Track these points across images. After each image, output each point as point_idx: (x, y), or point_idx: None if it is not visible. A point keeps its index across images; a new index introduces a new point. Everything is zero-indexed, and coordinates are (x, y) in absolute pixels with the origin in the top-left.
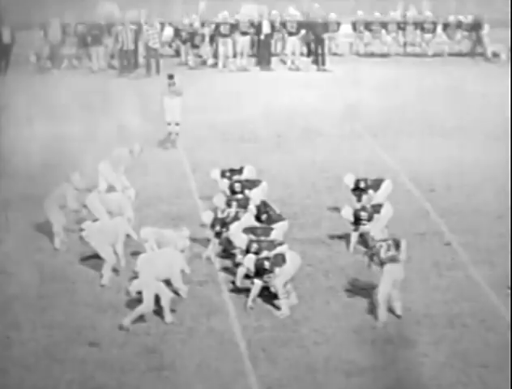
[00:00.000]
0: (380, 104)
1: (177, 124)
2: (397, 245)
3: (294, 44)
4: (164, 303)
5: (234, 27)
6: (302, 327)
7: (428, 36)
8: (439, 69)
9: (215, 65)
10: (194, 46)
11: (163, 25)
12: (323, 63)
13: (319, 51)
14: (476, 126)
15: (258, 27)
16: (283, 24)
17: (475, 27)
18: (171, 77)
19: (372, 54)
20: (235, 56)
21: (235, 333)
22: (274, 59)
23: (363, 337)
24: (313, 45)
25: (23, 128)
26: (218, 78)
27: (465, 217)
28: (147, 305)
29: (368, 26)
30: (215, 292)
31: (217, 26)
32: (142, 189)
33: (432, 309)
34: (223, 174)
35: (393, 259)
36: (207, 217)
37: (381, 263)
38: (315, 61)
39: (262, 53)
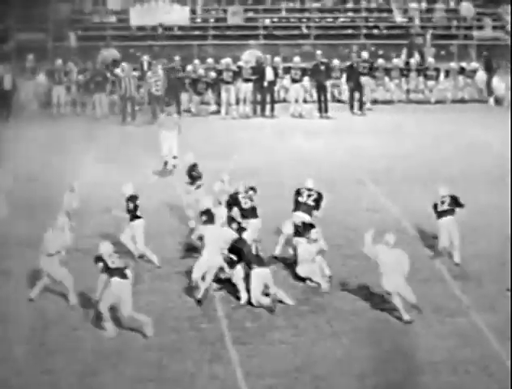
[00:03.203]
0: (383, 151)
1: (175, 157)
2: (454, 201)
3: (298, 91)
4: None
5: (237, 74)
6: (304, 374)
7: (431, 82)
8: (442, 116)
9: (217, 112)
10: (197, 93)
11: (165, 71)
12: (326, 110)
13: (322, 98)
14: (480, 173)
15: (261, 74)
16: (287, 71)
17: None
18: (168, 105)
19: (375, 101)
20: (237, 103)
21: (237, 379)
22: (277, 106)
23: (365, 384)
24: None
25: (28, 173)
26: (220, 125)
27: (468, 263)
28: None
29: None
30: (217, 339)
31: (220, 73)
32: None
33: (435, 355)
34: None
35: (447, 212)
36: None
37: (439, 216)
38: (319, 109)
39: (265, 100)
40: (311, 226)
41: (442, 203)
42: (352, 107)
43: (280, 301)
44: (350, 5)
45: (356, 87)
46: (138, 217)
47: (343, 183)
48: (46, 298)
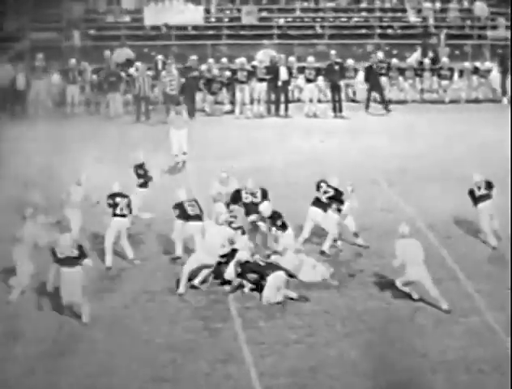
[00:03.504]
0: (396, 151)
1: (185, 153)
2: (489, 186)
3: (312, 90)
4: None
5: (251, 73)
6: (319, 374)
7: (445, 82)
8: (456, 115)
9: (231, 111)
10: (212, 93)
11: (181, 71)
12: (340, 110)
13: (336, 98)
14: (494, 173)
15: (275, 74)
16: (302, 70)
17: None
18: (178, 103)
19: (389, 101)
20: (252, 102)
21: (251, 379)
22: (291, 106)
23: (379, 383)
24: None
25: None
26: (234, 124)
27: (481, 263)
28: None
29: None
30: (231, 338)
31: (234, 72)
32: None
33: (447, 355)
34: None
35: (485, 197)
36: None
37: (477, 202)
38: (333, 108)
39: (280, 100)
40: (278, 216)
41: (479, 188)
42: (367, 107)
43: (291, 298)
44: (364, 4)
45: (376, 87)
46: (123, 216)
47: (357, 183)
48: (61, 298)
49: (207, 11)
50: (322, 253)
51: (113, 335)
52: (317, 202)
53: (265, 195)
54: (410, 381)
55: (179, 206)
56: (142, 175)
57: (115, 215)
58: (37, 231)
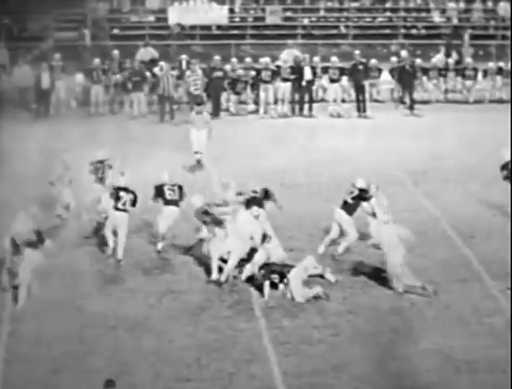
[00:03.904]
0: (421, 151)
1: (201, 153)
2: None
3: (336, 90)
4: None
5: (275, 73)
6: (342, 374)
7: (469, 82)
8: (480, 116)
9: (255, 111)
10: (236, 92)
11: (204, 71)
12: (364, 110)
13: (360, 98)
14: None
15: (299, 74)
16: (326, 70)
17: None
18: (199, 104)
19: (413, 101)
20: (276, 102)
21: (275, 379)
22: (315, 106)
23: (403, 384)
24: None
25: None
26: (259, 124)
27: (505, 264)
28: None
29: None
30: (255, 338)
31: (258, 72)
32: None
33: (471, 355)
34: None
35: None
36: None
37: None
38: (357, 108)
39: (304, 100)
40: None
41: None
42: (403, 104)
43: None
44: (388, 4)
45: (408, 87)
46: (124, 210)
47: (381, 183)
48: (85, 298)
49: (231, 11)
50: (333, 257)
51: (137, 335)
52: (344, 204)
53: (267, 194)
54: (434, 381)
55: (158, 188)
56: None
57: (117, 209)
58: None
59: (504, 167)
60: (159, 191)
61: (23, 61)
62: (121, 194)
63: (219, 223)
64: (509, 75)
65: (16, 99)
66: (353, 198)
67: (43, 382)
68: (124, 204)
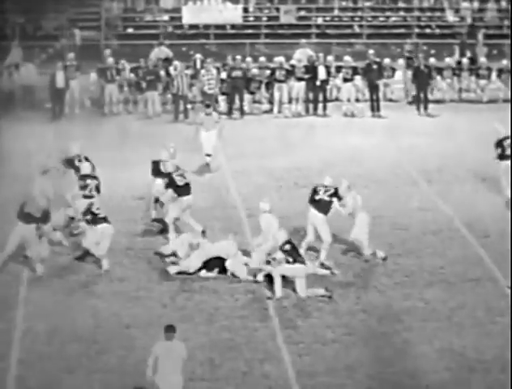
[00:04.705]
0: (434, 151)
1: (210, 155)
2: None
3: (350, 90)
4: None
5: (290, 72)
6: (356, 373)
7: (483, 82)
8: (494, 115)
9: (270, 110)
10: (250, 92)
11: (219, 70)
12: (378, 109)
13: (374, 97)
14: None
15: (313, 73)
16: (339, 70)
17: None
18: (208, 106)
19: (428, 100)
20: (290, 101)
21: (289, 378)
22: (329, 105)
23: (417, 383)
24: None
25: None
26: (273, 123)
27: None
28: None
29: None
30: (269, 338)
31: (273, 71)
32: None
33: (484, 354)
34: None
35: None
36: None
37: None
38: (371, 107)
39: (318, 99)
40: None
41: None
42: (417, 106)
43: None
44: (402, 4)
45: (423, 87)
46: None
47: (395, 182)
48: (100, 297)
49: (246, 10)
50: (322, 265)
51: (150, 334)
52: (317, 204)
53: None
54: (447, 380)
55: (155, 163)
56: None
57: (85, 196)
58: None
59: (498, 144)
60: (170, 181)
61: (26, 59)
62: (88, 181)
63: None
64: (509, 75)
65: (25, 97)
66: (330, 196)
67: (57, 381)
68: (90, 191)
